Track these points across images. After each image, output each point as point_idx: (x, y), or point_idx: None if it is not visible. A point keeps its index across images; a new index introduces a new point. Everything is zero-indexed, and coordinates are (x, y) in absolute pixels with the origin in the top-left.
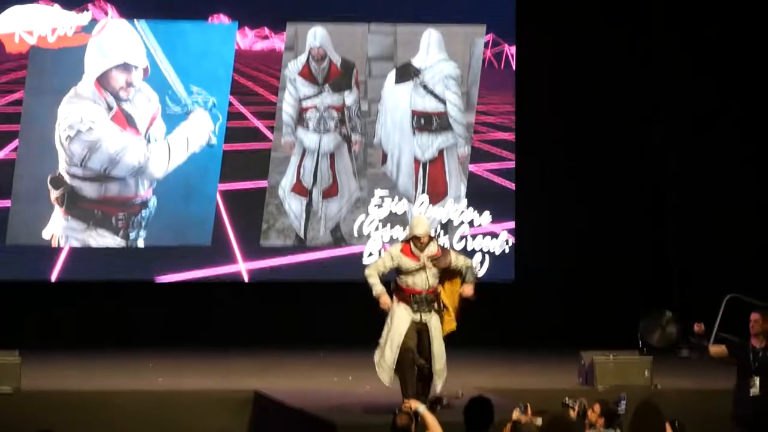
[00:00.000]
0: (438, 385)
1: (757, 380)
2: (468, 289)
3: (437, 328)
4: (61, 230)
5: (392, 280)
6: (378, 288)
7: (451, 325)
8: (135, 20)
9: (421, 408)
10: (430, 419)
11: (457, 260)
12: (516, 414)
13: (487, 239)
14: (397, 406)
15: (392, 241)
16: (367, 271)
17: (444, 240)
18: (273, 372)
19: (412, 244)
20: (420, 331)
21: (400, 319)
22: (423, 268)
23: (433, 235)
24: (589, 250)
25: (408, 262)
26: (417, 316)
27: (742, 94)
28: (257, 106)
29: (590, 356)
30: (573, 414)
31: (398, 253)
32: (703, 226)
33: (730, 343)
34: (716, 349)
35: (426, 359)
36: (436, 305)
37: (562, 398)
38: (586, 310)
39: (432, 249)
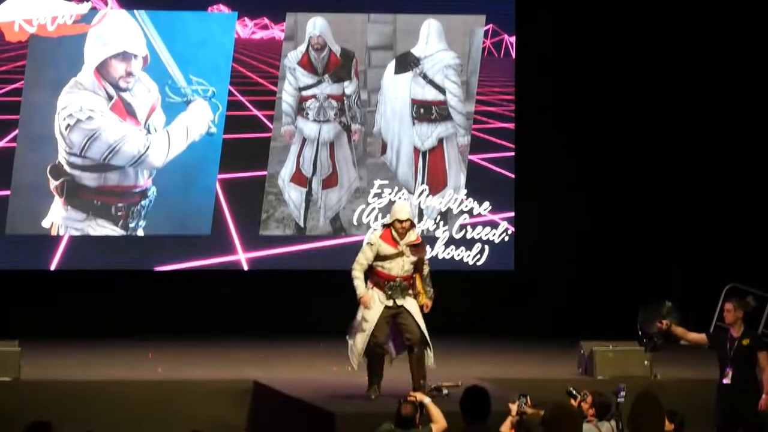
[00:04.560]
0: (431, 357)
1: (730, 369)
2: (428, 305)
3: (415, 306)
4: (60, 219)
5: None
6: (361, 289)
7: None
8: (135, 10)
9: (427, 400)
10: (435, 411)
11: (426, 258)
12: (515, 407)
13: (486, 229)
14: (398, 396)
15: None
16: (353, 272)
17: (443, 230)
18: (272, 362)
19: (393, 229)
20: (396, 314)
21: (371, 307)
22: (401, 254)
23: (414, 222)
24: (588, 239)
25: (387, 248)
26: (390, 302)
27: (741, 84)
28: (257, 96)
29: (590, 346)
30: (575, 403)
31: (377, 239)
32: (702, 215)
33: (710, 333)
34: (695, 336)
35: (408, 338)
36: (411, 291)
37: (566, 387)
38: (585, 300)
39: (411, 237)
